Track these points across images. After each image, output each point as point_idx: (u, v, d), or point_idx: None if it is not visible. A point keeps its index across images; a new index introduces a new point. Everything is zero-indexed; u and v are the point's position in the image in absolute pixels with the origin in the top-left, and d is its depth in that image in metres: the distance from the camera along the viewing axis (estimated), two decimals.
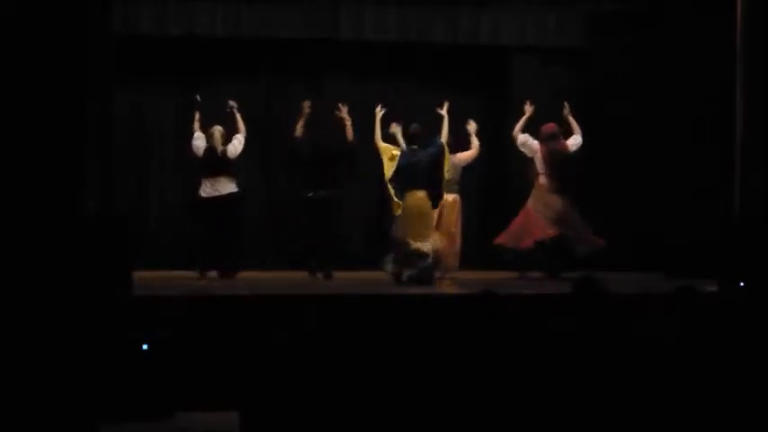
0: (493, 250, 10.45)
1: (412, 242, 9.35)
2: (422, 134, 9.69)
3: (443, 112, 10.13)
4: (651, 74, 11.16)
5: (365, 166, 10.59)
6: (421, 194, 9.47)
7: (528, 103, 10.30)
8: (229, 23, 11.07)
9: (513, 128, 10.29)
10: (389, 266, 9.59)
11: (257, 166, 11.40)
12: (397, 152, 9.84)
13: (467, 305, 4.94)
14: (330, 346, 4.91)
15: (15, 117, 6.90)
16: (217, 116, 10.37)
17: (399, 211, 9.59)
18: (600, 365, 4.66)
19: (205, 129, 10.15)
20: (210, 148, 10.08)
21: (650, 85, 11.16)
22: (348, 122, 10.14)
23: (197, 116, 10.20)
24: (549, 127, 10.17)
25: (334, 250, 10.17)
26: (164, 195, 11.60)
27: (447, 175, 9.75)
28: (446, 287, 9.43)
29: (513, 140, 10.29)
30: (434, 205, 9.60)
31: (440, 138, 9.84)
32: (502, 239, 10.12)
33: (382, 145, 10.04)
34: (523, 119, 10.23)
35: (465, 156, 10.33)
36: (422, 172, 9.47)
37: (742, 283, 7.90)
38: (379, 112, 10.11)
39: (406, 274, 9.32)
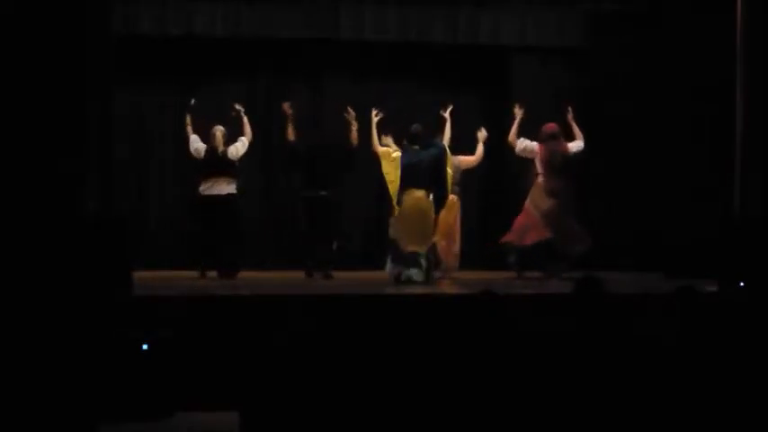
0: (493, 250, 10.46)
1: (408, 246, 9.34)
2: (423, 134, 9.68)
3: (446, 114, 10.14)
4: (651, 74, 11.16)
5: (365, 166, 10.59)
6: (420, 194, 9.43)
7: (517, 105, 10.19)
8: (229, 23, 11.08)
9: (507, 133, 10.19)
10: (388, 267, 9.60)
11: (257, 166, 11.41)
12: (397, 154, 9.83)
13: (467, 305, 4.94)
14: (330, 346, 4.91)
15: (15, 117, 6.90)
16: (218, 116, 10.39)
17: (397, 212, 9.59)
18: (600, 365, 4.66)
19: (204, 129, 10.15)
20: (211, 149, 10.08)
21: (650, 85, 11.16)
22: (354, 127, 10.13)
23: (188, 120, 10.20)
24: (550, 127, 10.11)
25: (334, 250, 10.17)
26: (164, 195, 11.62)
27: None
28: (446, 287, 9.43)
29: (511, 147, 10.20)
30: (440, 207, 9.51)
31: (441, 139, 9.84)
32: (507, 238, 10.07)
33: (381, 149, 10.06)
34: (516, 122, 10.11)
35: (467, 160, 10.31)
36: (423, 172, 9.43)
37: (742, 283, 7.89)
38: (376, 116, 10.11)
39: (405, 274, 9.32)
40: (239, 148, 10.12)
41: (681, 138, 10.63)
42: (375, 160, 10.18)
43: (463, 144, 10.35)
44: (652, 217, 10.90)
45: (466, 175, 10.41)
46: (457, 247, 10.23)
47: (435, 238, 9.70)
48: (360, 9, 11.30)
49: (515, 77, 11.74)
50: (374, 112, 10.13)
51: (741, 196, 8.71)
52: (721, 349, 4.84)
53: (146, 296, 7.48)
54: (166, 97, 11.48)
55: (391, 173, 9.92)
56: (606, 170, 11.26)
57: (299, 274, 10.11)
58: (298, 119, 10.35)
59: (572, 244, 9.91)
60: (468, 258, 10.65)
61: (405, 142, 9.69)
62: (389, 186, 9.96)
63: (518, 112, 10.14)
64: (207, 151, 10.09)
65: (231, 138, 10.15)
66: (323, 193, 10.11)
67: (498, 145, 10.65)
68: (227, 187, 10.06)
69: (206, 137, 10.14)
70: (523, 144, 10.10)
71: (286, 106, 10.27)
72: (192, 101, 10.29)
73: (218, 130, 10.11)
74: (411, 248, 9.32)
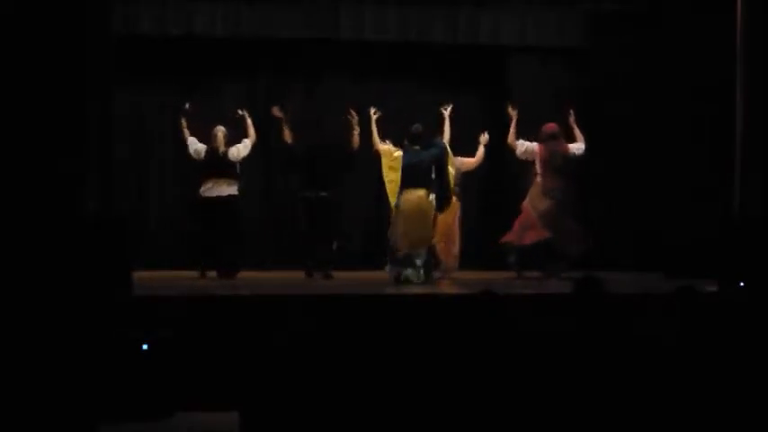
0: (493, 250, 10.45)
1: (403, 247, 9.34)
2: (423, 134, 9.67)
3: (447, 113, 10.13)
4: (651, 74, 11.16)
5: (365, 166, 10.58)
6: (420, 193, 9.42)
7: (511, 106, 10.19)
8: (229, 23, 11.08)
9: (506, 135, 10.17)
10: (388, 267, 9.59)
11: (257, 166, 11.39)
12: (398, 153, 9.83)
13: (467, 305, 4.94)
14: (330, 346, 4.91)
15: (15, 117, 6.90)
16: (217, 117, 10.38)
17: (396, 212, 9.58)
18: (600, 365, 4.66)
19: (204, 130, 10.14)
20: (212, 149, 10.07)
21: (650, 85, 11.16)
22: (356, 130, 10.12)
23: (184, 123, 10.19)
24: (550, 127, 10.09)
25: (334, 250, 10.17)
26: (164, 195, 11.62)
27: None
28: (446, 287, 9.43)
29: (511, 150, 10.19)
30: (442, 206, 9.50)
31: (441, 139, 9.83)
32: (507, 238, 10.07)
33: (383, 147, 10.04)
34: (513, 123, 10.09)
35: (467, 162, 10.30)
36: (423, 172, 9.42)
37: (742, 283, 7.89)
38: (374, 114, 10.11)
39: (404, 274, 9.32)
40: (241, 149, 10.10)
41: (681, 138, 10.63)
42: (375, 160, 10.17)
43: (463, 145, 10.34)
44: (652, 217, 10.90)
45: (466, 176, 10.40)
46: (456, 247, 10.21)
47: (434, 240, 9.69)
48: (360, 9, 11.29)
49: (515, 77, 11.74)
50: (372, 110, 10.13)
51: (741, 196, 8.71)
52: (721, 349, 4.84)
53: (146, 296, 7.48)
54: (166, 97, 11.46)
55: (390, 172, 9.91)
56: (606, 170, 11.26)
57: (299, 274, 10.10)
58: (294, 120, 10.34)
59: (570, 244, 9.90)
60: (468, 258, 10.64)
61: (405, 142, 9.67)
62: (387, 186, 9.96)
63: (512, 113, 10.13)
64: (207, 152, 10.08)
65: (233, 139, 10.14)
66: (323, 193, 10.11)
67: (498, 145, 10.64)
68: (227, 189, 10.04)
69: (206, 137, 10.13)
70: (524, 146, 10.08)
71: (276, 110, 10.26)
72: (187, 105, 10.28)
73: (220, 131, 10.09)
74: (405, 250, 9.32)
